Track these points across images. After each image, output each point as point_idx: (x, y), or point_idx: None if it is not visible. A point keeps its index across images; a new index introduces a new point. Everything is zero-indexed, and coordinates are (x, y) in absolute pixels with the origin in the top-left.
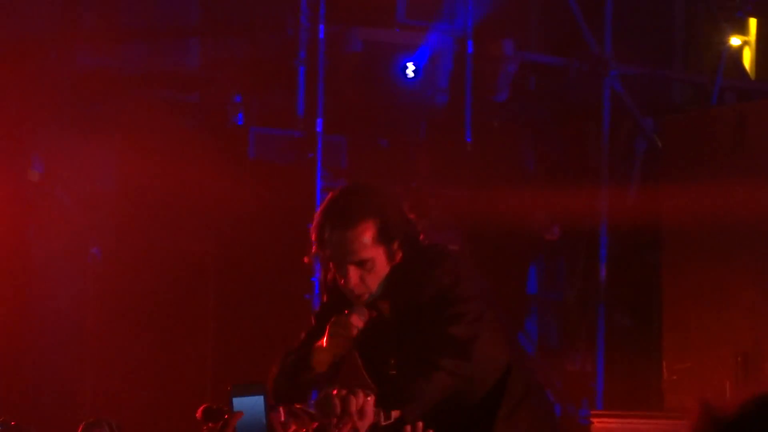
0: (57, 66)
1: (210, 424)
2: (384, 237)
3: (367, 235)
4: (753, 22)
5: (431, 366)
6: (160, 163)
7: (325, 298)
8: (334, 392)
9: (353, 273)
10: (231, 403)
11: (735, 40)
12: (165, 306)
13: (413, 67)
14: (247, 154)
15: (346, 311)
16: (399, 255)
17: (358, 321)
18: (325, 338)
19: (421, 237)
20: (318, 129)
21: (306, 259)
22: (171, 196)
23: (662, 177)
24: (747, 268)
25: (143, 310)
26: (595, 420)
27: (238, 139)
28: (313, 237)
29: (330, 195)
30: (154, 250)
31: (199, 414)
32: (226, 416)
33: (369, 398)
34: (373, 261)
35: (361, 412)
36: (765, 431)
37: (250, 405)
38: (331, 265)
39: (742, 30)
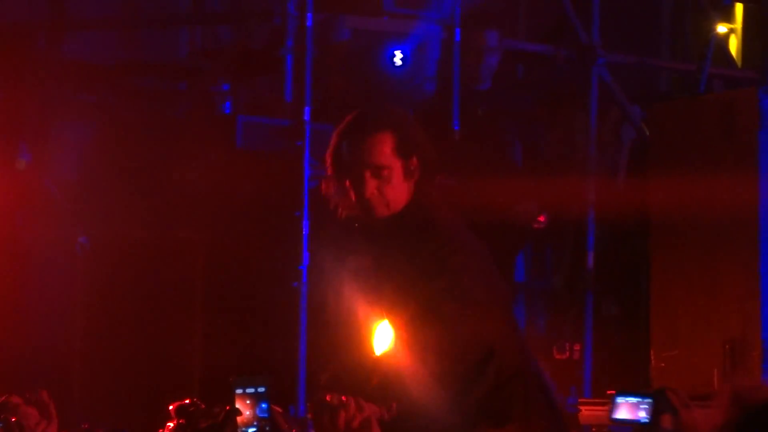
0: (43, 55)
1: (182, 420)
2: (402, 150)
3: (386, 144)
4: (739, 9)
5: (435, 316)
6: (147, 151)
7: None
8: (327, 398)
9: (371, 182)
10: (233, 395)
11: (721, 28)
12: (154, 294)
13: (401, 56)
14: (234, 143)
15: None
16: (416, 174)
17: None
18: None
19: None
20: (306, 117)
21: (323, 187)
22: (159, 184)
23: (650, 165)
24: (735, 257)
25: (132, 298)
26: (583, 407)
27: (226, 128)
28: (329, 158)
29: (348, 116)
30: (142, 238)
31: (171, 410)
32: (228, 407)
33: (363, 412)
34: (390, 170)
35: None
36: None
37: (251, 398)
38: (347, 182)
39: (729, 17)
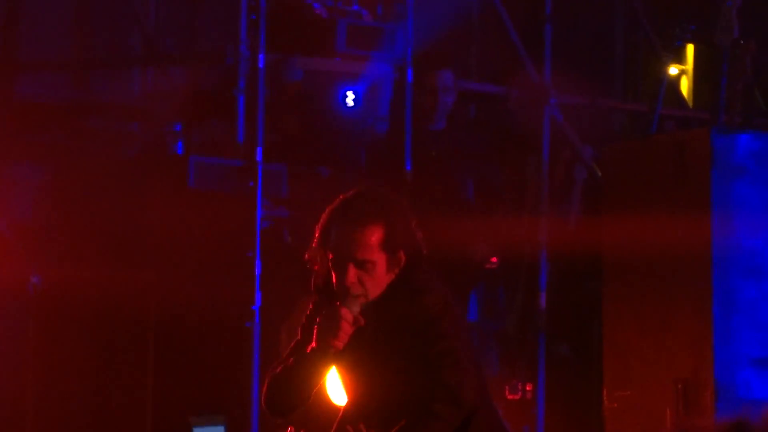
0: None
1: None
2: (389, 244)
3: (374, 238)
4: (690, 51)
5: (431, 415)
6: (100, 192)
7: (309, 308)
8: None
9: (352, 272)
10: None
11: (673, 69)
12: (106, 333)
13: (353, 96)
14: (186, 183)
15: (337, 303)
16: (400, 266)
17: (348, 314)
18: (314, 336)
19: (424, 253)
20: (258, 158)
21: (306, 256)
22: (111, 224)
23: (602, 206)
24: (686, 297)
25: (84, 338)
26: None
27: (178, 168)
28: (317, 234)
29: (342, 196)
30: (95, 278)
31: None
32: None
33: None
34: (374, 264)
35: None
36: None
37: None
38: (330, 264)
39: (680, 59)
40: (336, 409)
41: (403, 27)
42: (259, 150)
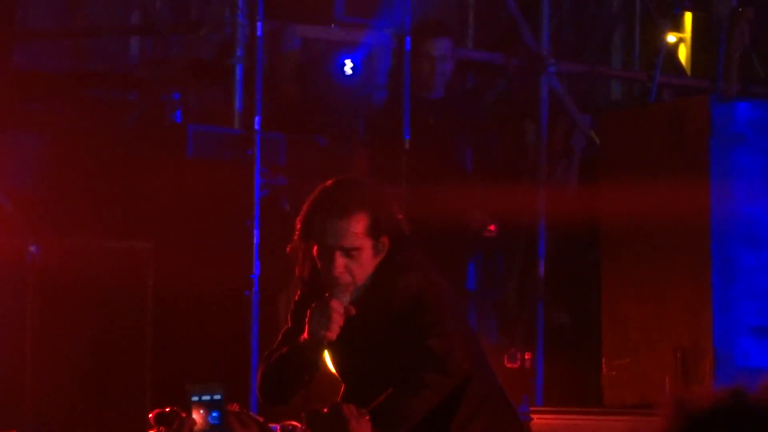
0: None
1: (162, 428)
2: (374, 230)
3: (359, 225)
4: (688, 18)
5: (419, 383)
6: (98, 160)
7: (298, 296)
8: (325, 411)
9: (339, 260)
10: (189, 402)
11: (671, 37)
12: (104, 302)
13: (351, 65)
14: (185, 152)
15: (327, 294)
16: (384, 250)
17: (338, 305)
18: (306, 328)
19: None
20: (256, 127)
21: (288, 249)
22: (109, 193)
23: (600, 174)
24: (685, 265)
25: (82, 306)
26: (534, 416)
27: (177, 137)
28: (298, 226)
29: (321, 186)
30: (93, 246)
31: (151, 418)
32: (184, 414)
33: (364, 418)
34: (360, 251)
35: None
36: (739, 424)
37: (207, 405)
38: (315, 253)
39: (678, 27)
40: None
41: None
42: (257, 119)
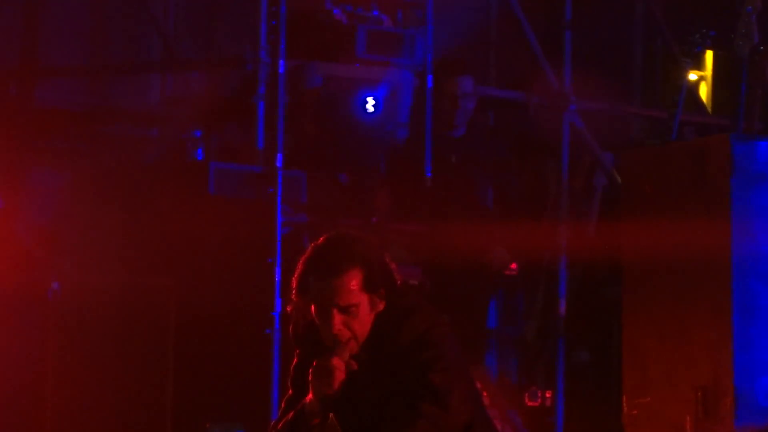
0: (16, 101)
1: None
2: (369, 285)
3: (354, 283)
4: (709, 57)
5: (415, 413)
6: (120, 198)
7: (294, 362)
8: None
9: (337, 318)
10: None
11: (692, 75)
12: (126, 340)
13: (373, 102)
14: (207, 189)
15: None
16: (382, 304)
17: (339, 362)
18: (310, 390)
19: (399, 283)
20: (278, 164)
21: (289, 308)
22: (131, 230)
23: (622, 212)
24: (706, 304)
25: (104, 344)
26: None
27: (198, 174)
28: (294, 284)
29: (313, 244)
30: (115, 284)
31: None
32: None
33: None
34: (357, 307)
35: None
36: None
37: None
38: (313, 311)
39: (699, 65)
40: None
41: (422, 33)
42: (279, 156)
